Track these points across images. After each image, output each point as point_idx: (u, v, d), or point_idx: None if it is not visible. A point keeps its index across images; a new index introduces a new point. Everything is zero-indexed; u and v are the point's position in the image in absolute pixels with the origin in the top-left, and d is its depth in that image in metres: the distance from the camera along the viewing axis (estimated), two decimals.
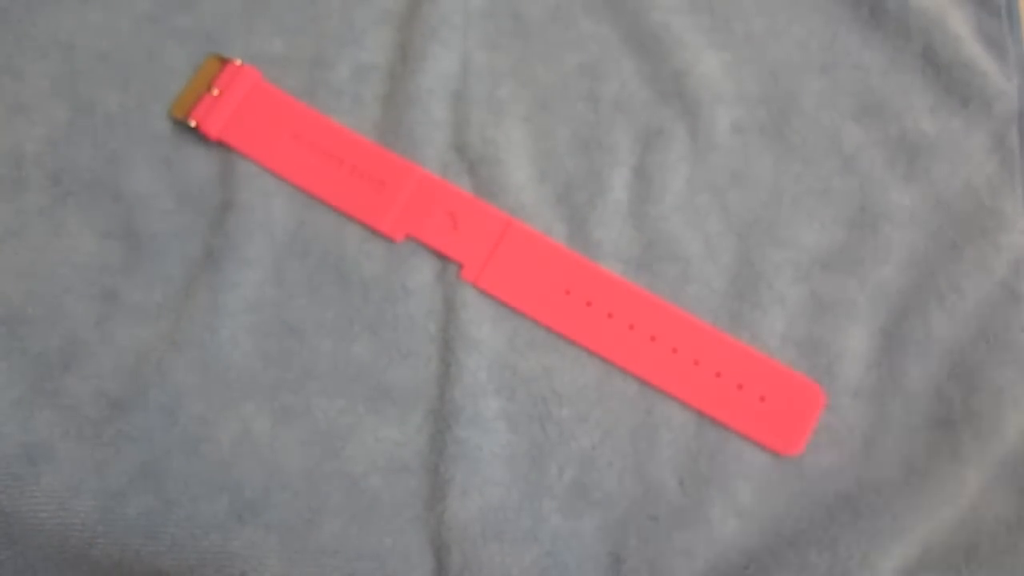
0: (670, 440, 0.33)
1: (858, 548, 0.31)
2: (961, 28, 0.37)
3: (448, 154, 0.37)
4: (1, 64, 0.38)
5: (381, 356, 0.35)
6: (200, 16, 0.39)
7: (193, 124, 0.37)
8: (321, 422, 0.34)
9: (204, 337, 0.35)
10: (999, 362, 0.33)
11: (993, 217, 0.34)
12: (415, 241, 0.36)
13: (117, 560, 0.33)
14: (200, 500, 0.33)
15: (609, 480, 0.33)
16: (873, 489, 0.32)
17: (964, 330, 0.34)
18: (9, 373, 0.35)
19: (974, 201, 0.35)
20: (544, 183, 0.36)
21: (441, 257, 0.35)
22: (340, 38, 0.38)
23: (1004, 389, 0.33)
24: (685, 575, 0.32)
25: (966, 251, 0.34)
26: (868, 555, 0.31)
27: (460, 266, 0.35)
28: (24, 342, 0.35)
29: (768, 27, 0.37)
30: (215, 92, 0.37)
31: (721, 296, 0.34)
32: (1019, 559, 0.32)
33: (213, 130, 0.36)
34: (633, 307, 0.34)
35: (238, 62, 0.37)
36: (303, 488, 0.33)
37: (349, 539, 0.33)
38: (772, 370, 0.33)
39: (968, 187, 0.35)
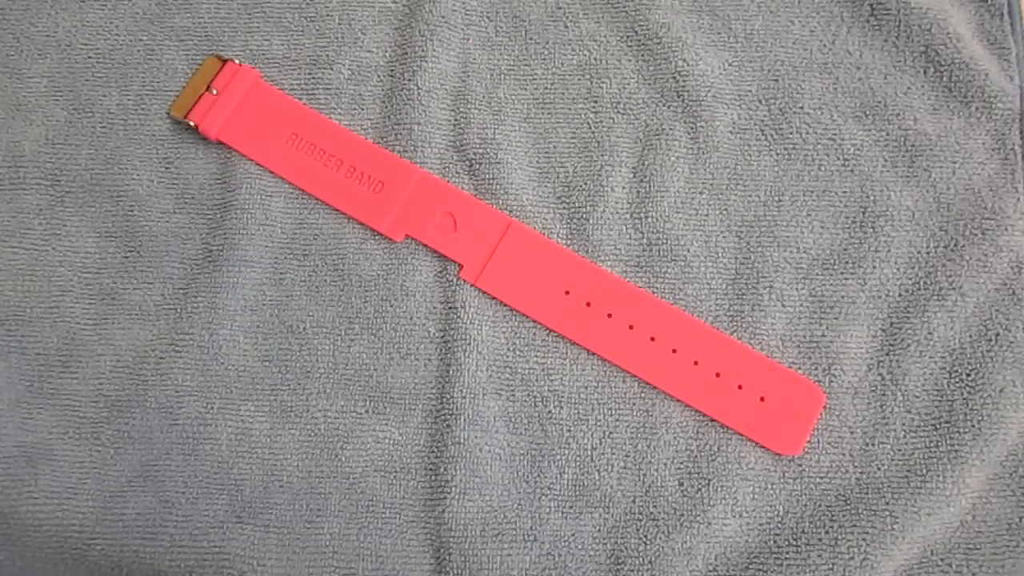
0: (670, 440, 0.33)
1: (858, 548, 0.31)
2: (962, 28, 0.36)
3: (448, 154, 0.37)
4: None
5: (381, 356, 0.35)
6: (199, 16, 0.39)
7: (192, 124, 0.36)
8: (320, 422, 0.34)
9: (203, 337, 0.35)
10: (999, 362, 0.33)
11: (993, 217, 0.34)
12: (415, 241, 0.36)
13: (116, 560, 0.33)
14: (199, 500, 0.33)
15: (609, 480, 0.33)
16: (873, 489, 0.32)
17: (964, 330, 0.34)
18: (8, 373, 0.35)
19: (974, 201, 0.35)
20: (544, 183, 0.36)
21: (441, 257, 0.35)
22: (340, 38, 0.38)
23: (1004, 389, 0.33)
24: (685, 575, 0.32)
25: (966, 251, 0.34)
26: (868, 555, 0.31)
27: (460, 266, 0.35)
28: (23, 342, 0.35)
29: (768, 27, 0.37)
30: (214, 92, 0.37)
31: (721, 296, 0.34)
32: (1019, 560, 0.32)
33: (212, 130, 0.36)
34: (633, 307, 0.34)
35: (237, 62, 0.37)
36: (303, 488, 0.33)
37: (349, 539, 0.33)
38: (772, 370, 0.33)
39: (969, 187, 0.35)
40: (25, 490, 0.34)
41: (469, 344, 0.34)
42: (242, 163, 0.37)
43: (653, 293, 0.34)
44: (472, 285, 0.35)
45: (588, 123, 0.37)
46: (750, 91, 0.37)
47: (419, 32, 0.37)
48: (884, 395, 0.33)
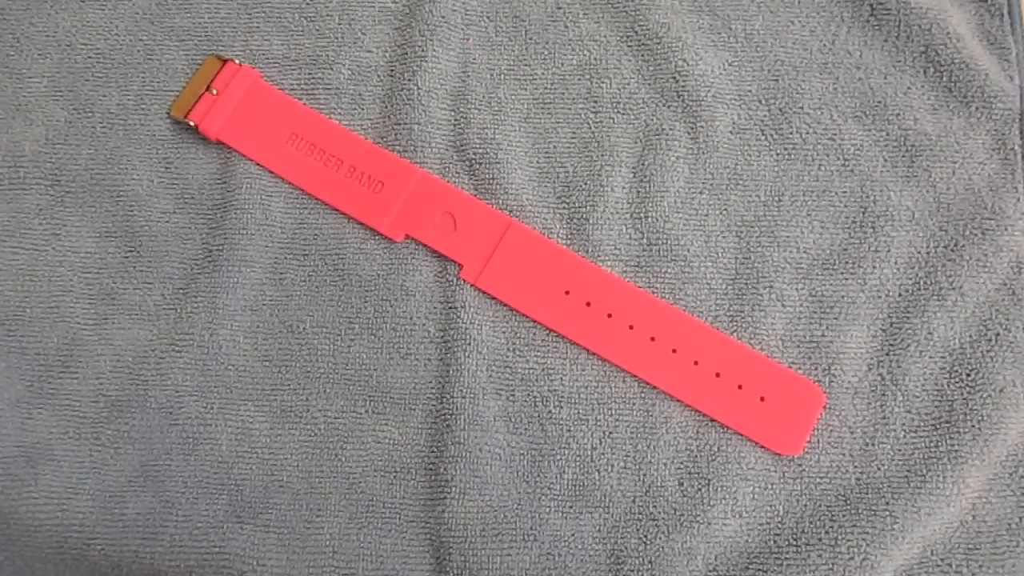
0: (670, 440, 0.33)
1: (858, 548, 0.31)
2: (962, 27, 0.36)
3: (448, 154, 0.37)
4: None
5: (381, 356, 0.35)
6: (199, 16, 0.39)
7: (192, 124, 0.36)
8: (320, 422, 0.34)
9: (203, 337, 0.35)
10: (999, 362, 0.33)
11: (993, 217, 0.34)
12: (415, 241, 0.36)
13: (116, 560, 0.33)
14: (199, 500, 0.33)
15: (609, 480, 0.33)
16: (873, 489, 0.32)
17: (964, 330, 0.34)
18: (8, 373, 0.35)
19: (974, 201, 0.35)
20: (544, 183, 0.36)
21: (441, 257, 0.35)
22: (340, 38, 0.38)
23: (1004, 389, 0.33)
24: (685, 575, 0.32)
25: (966, 251, 0.34)
26: (868, 555, 0.31)
27: (460, 266, 0.35)
28: (23, 342, 0.35)
29: (768, 27, 0.37)
30: (214, 92, 0.37)
31: (721, 296, 0.34)
32: (1019, 560, 0.32)
33: (212, 130, 0.36)
34: (633, 307, 0.34)
35: (237, 62, 0.37)
36: (303, 488, 0.33)
37: (349, 539, 0.33)
38: (772, 370, 0.33)
39: (968, 187, 0.35)
40: (25, 490, 0.34)
41: (469, 344, 0.34)
42: (242, 163, 0.37)
43: (653, 293, 0.34)
44: (472, 285, 0.35)
45: (588, 123, 0.37)
46: (750, 91, 0.37)
47: (419, 32, 0.37)
48: (884, 395, 0.33)
